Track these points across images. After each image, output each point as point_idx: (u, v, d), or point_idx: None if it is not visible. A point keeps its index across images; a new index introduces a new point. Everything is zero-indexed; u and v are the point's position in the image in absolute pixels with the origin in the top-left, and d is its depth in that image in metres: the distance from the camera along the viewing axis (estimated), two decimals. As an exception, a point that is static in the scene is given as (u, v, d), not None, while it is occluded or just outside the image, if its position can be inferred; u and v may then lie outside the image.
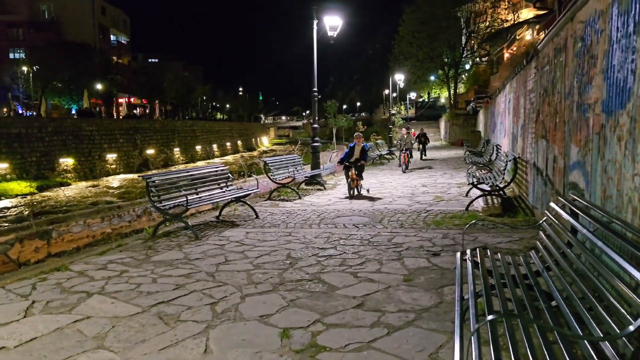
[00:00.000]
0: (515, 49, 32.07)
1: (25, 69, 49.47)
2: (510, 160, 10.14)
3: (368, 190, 12.32)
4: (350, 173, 11.74)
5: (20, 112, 47.62)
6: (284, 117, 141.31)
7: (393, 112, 44.50)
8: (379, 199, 11.42)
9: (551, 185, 6.78)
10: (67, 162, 32.29)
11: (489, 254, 4.18)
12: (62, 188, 29.04)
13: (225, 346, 3.72)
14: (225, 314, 4.35)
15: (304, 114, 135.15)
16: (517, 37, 35.10)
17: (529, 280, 3.50)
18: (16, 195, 25.90)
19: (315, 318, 4.21)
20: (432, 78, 53.61)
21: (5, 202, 24.33)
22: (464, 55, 49.44)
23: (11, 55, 61.02)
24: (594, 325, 2.58)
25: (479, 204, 9.59)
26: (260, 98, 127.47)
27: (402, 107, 57.40)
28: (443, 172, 17.49)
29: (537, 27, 30.08)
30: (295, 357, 3.51)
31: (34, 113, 45.81)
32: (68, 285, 5.33)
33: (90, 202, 22.07)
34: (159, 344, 3.79)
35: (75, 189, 29.43)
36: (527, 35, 32.37)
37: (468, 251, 4.03)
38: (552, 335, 2.69)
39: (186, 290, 5.02)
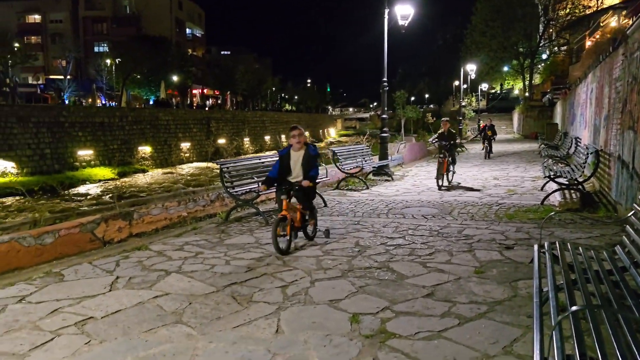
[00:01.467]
0: (599, 36, 30.19)
1: (108, 61, 52.44)
2: (591, 153, 9.60)
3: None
4: (283, 202, 6.05)
5: (103, 102, 50.54)
6: (351, 109, 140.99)
7: (463, 103, 43.31)
8: (444, 191, 11.15)
9: (638, 179, 6.36)
10: (145, 150, 33.96)
11: (569, 247, 3.99)
12: (140, 174, 30.61)
13: (296, 328, 3.80)
14: (296, 297, 4.44)
15: (371, 105, 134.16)
16: (601, 24, 33.02)
17: (614, 276, 3.32)
18: (99, 181, 27.59)
19: (385, 305, 4.21)
20: (506, 69, 51.61)
21: (90, 187, 26.00)
22: (540, 45, 47.16)
23: (96, 49, 64.98)
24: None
25: (556, 198, 9.16)
26: (328, 89, 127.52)
27: (473, 99, 55.68)
28: (516, 166, 16.83)
29: (624, 12, 28.15)
30: (365, 342, 3.53)
31: (115, 103, 48.49)
32: (148, 263, 5.63)
33: (166, 188, 23.12)
34: (233, 322, 3.93)
35: (152, 176, 30.92)
36: (613, 21, 30.37)
37: (546, 244, 3.88)
38: (641, 332, 2.54)
39: (258, 273, 5.17)
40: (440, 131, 12.48)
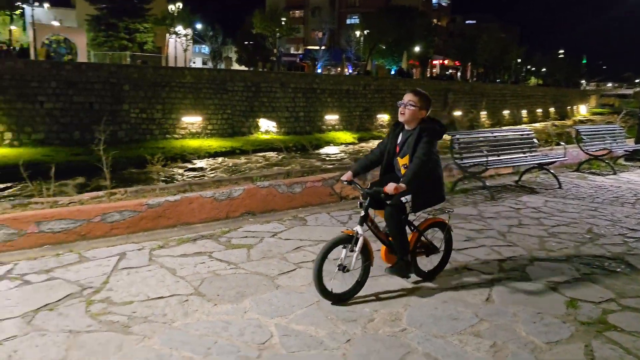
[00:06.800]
0: None
1: (357, 33, 55.83)
2: None
3: None
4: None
5: (350, 71, 54.29)
6: (609, 84, 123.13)
7: None
8: None
9: None
10: (384, 117, 35.67)
11: None
12: (378, 141, 32.47)
13: (506, 300, 3.87)
14: (512, 272, 4.46)
15: (636, 80, 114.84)
16: None
17: None
18: (341, 144, 30.23)
19: (610, 297, 3.95)
20: None
21: (334, 149, 28.77)
22: None
23: (348, 21, 69.72)
24: None
25: None
26: (584, 61, 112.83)
27: None
28: None
29: None
30: (580, 327, 3.44)
31: (359, 72, 51.60)
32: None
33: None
34: (448, 283, 4.19)
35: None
36: None
37: None
38: None
39: (476, 244, 5.28)
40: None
